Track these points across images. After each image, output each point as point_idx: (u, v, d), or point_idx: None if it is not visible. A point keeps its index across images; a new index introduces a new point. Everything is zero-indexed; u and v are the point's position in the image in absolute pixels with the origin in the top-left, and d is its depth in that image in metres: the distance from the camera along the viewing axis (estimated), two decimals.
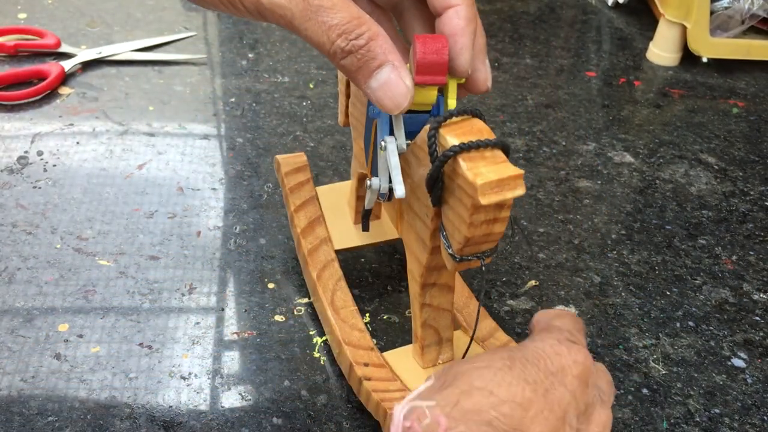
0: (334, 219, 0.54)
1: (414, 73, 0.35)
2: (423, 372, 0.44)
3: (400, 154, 0.38)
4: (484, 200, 0.32)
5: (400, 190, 0.36)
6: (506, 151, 0.34)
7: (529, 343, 0.35)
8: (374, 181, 0.41)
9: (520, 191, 0.33)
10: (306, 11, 0.33)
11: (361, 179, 0.50)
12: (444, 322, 0.44)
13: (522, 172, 0.33)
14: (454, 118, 0.35)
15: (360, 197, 0.52)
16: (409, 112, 0.37)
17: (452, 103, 0.37)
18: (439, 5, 0.36)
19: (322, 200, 0.54)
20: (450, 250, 0.36)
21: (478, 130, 0.34)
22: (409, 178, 0.39)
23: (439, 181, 0.35)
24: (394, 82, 0.34)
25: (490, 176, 0.32)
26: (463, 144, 0.33)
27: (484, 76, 0.38)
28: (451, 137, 0.34)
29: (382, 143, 0.38)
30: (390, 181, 0.38)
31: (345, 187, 0.56)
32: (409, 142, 0.38)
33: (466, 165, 0.33)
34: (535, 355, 0.34)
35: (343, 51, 0.34)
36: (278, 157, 0.55)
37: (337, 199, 0.55)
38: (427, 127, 0.35)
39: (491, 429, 0.31)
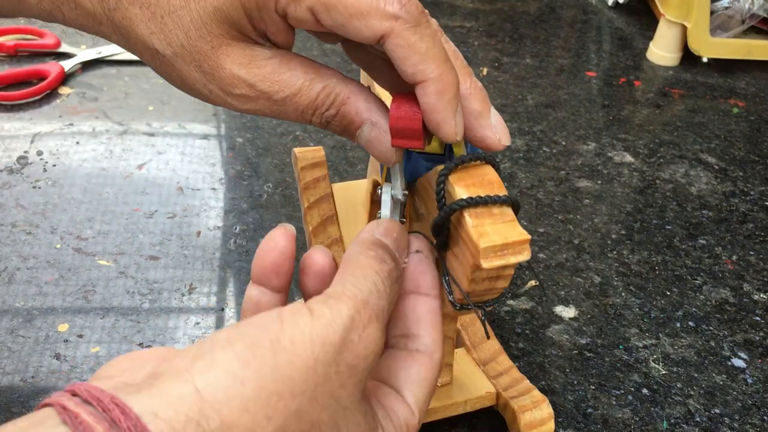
0: (347, 219, 0.53)
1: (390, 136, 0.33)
2: None
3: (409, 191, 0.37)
4: (485, 264, 0.31)
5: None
6: (516, 208, 0.33)
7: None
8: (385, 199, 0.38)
9: (525, 257, 0.31)
10: (275, 105, 0.33)
11: (376, 186, 0.50)
12: (446, 348, 0.43)
13: (528, 237, 0.32)
14: (466, 164, 0.34)
15: (374, 201, 0.52)
16: (423, 156, 0.37)
17: (458, 151, 0.35)
18: (410, 79, 0.32)
19: (337, 198, 0.54)
20: (450, 297, 0.35)
21: (488, 182, 0.33)
22: (424, 205, 0.38)
23: (444, 228, 0.34)
24: (375, 140, 0.34)
25: (495, 239, 0.31)
26: (471, 199, 0.32)
27: (492, 139, 0.35)
28: (459, 188, 0.33)
29: (379, 191, 0.37)
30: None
31: (362, 186, 0.55)
32: (406, 191, 0.37)
33: (471, 222, 0.32)
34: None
35: (322, 124, 0.34)
36: (296, 150, 0.54)
37: (353, 197, 0.55)
38: (438, 168, 0.34)
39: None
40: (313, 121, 0.34)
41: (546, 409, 0.43)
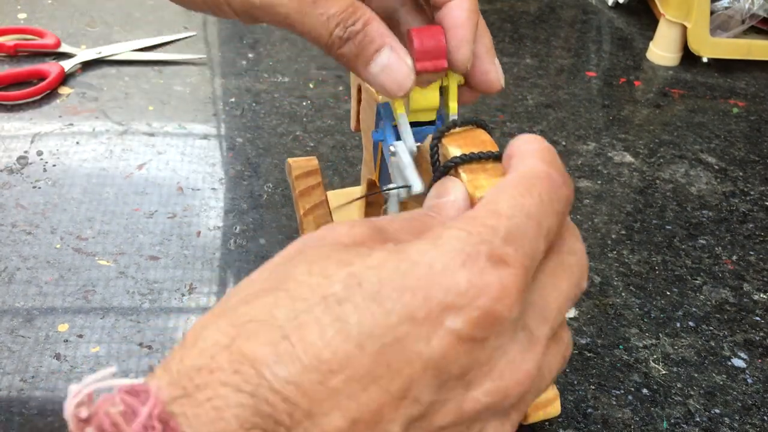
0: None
1: (414, 63, 0.34)
2: None
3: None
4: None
5: (417, 185, 0.36)
6: None
7: (413, 249, 0.23)
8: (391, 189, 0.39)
9: None
10: (302, 6, 0.32)
11: (371, 185, 0.50)
12: None
13: None
14: (458, 129, 0.35)
15: (369, 203, 0.52)
16: (413, 124, 0.37)
17: (453, 105, 0.37)
18: None
19: (332, 205, 0.54)
20: None
21: (481, 141, 0.34)
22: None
23: None
24: (395, 64, 0.33)
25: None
26: (465, 155, 0.32)
27: (495, 75, 0.36)
28: (453, 148, 0.33)
29: (392, 149, 0.38)
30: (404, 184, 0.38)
31: (356, 192, 0.56)
32: (419, 144, 0.38)
33: (466, 177, 0.32)
34: (404, 281, 0.22)
35: (341, 39, 0.33)
36: (290, 160, 0.55)
37: (347, 203, 0.55)
38: (430, 136, 0.35)
39: (252, 402, 0.21)
40: (334, 34, 0.33)
41: (551, 390, 0.44)
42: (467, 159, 0.32)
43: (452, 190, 0.29)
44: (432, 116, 0.37)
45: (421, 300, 0.21)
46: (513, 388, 0.23)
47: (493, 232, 0.23)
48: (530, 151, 0.27)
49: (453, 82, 0.37)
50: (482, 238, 0.23)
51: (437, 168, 0.33)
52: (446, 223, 0.24)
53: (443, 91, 0.37)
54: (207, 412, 0.20)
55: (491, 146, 0.33)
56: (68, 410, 0.20)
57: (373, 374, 0.21)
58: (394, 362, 0.21)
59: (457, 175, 0.33)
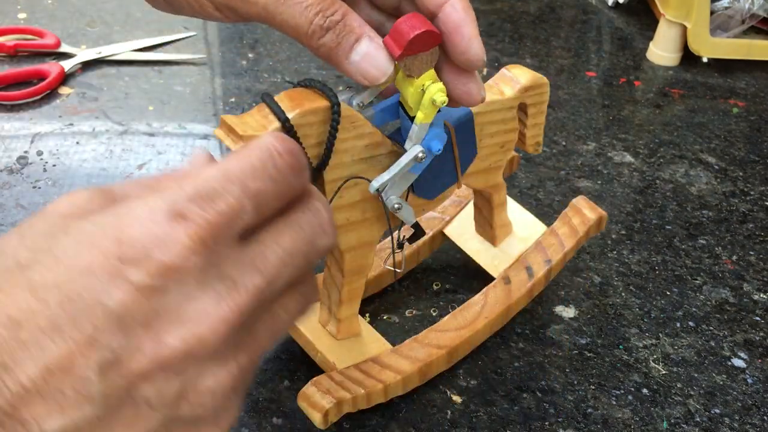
0: None
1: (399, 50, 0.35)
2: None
3: None
4: (216, 130, 0.35)
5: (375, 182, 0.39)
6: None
7: (124, 208, 0.25)
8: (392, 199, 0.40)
9: (237, 146, 0.34)
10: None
11: None
12: (334, 298, 0.45)
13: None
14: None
15: None
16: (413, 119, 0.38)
17: (419, 116, 0.37)
18: (432, 5, 0.35)
19: None
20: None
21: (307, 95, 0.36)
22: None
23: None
24: (374, 51, 0.35)
25: (230, 121, 0.34)
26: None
27: (477, 87, 0.37)
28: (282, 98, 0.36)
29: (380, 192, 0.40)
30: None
31: None
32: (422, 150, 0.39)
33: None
34: (83, 237, 0.25)
35: (322, 28, 0.34)
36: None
37: None
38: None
39: None
40: (314, 23, 0.34)
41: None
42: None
43: (201, 161, 0.30)
44: (405, 102, 0.38)
45: (98, 255, 0.24)
46: (208, 334, 0.25)
47: (178, 191, 0.25)
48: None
49: (426, 93, 0.37)
50: (164, 196, 0.25)
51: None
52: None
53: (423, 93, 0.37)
54: None
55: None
56: None
57: (57, 325, 0.23)
58: (78, 313, 0.23)
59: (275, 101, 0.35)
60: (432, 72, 0.37)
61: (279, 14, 0.34)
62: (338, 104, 0.36)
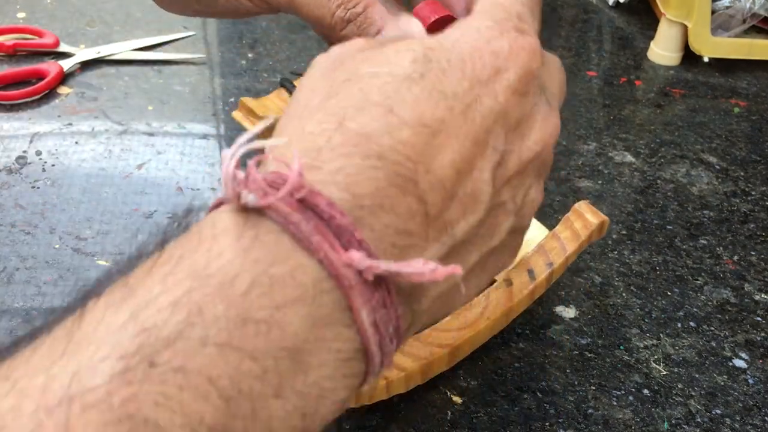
0: None
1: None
2: None
3: None
4: (235, 113, 0.36)
5: None
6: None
7: (457, 33, 0.28)
8: None
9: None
10: None
11: None
12: None
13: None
14: None
15: None
16: None
17: None
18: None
19: None
20: None
21: None
22: None
23: None
24: None
25: (250, 103, 0.33)
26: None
27: None
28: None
29: None
30: None
31: None
32: None
33: None
34: (461, 55, 0.27)
35: (343, 20, 0.34)
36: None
37: None
38: None
39: (381, 164, 0.24)
40: (336, 15, 0.34)
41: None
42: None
43: (411, 25, 0.33)
44: None
45: (481, 65, 0.26)
46: (548, 139, 0.29)
47: (509, 14, 0.28)
48: None
49: None
50: (504, 17, 0.28)
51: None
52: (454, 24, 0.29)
53: None
54: (343, 178, 0.23)
55: None
56: (226, 173, 0.22)
57: (463, 130, 0.26)
58: (476, 118, 0.26)
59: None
60: None
61: (305, 5, 0.34)
62: None
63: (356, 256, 0.22)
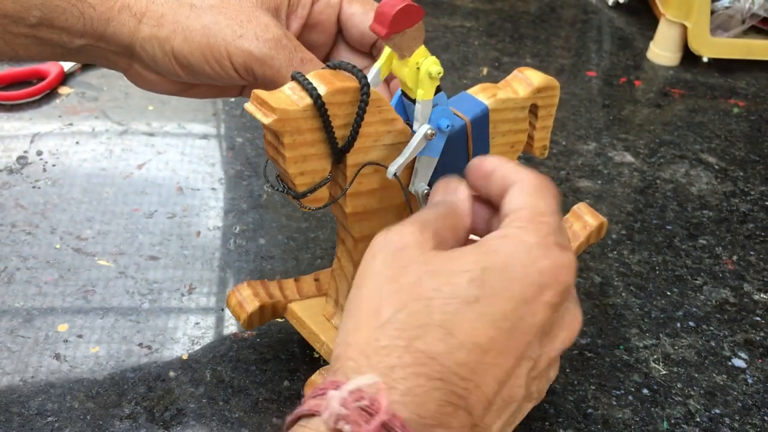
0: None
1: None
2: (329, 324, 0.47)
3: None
4: (247, 105, 0.36)
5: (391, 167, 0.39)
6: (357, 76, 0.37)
7: (509, 248, 0.31)
8: (420, 187, 0.42)
9: (268, 120, 0.34)
10: (291, 61, 0.40)
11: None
12: (342, 289, 0.45)
13: (283, 108, 0.35)
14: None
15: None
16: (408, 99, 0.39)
17: (420, 92, 0.38)
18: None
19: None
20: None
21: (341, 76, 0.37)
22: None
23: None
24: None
25: (263, 94, 0.35)
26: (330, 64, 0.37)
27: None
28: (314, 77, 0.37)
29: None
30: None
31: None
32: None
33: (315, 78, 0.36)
34: (512, 277, 0.30)
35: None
36: None
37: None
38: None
39: (442, 385, 0.29)
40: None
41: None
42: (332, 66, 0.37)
43: (458, 187, 0.36)
44: (407, 89, 0.39)
45: (527, 287, 0.30)
46: (573, 336, 0.33)
47: (549, 227, 0.32)
48: (512, 166, 0.35)
49: (422, 68, 0.38)
50: (546, 232, 0.31)
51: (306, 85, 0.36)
52: (503, 226, 0.32)
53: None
54: (411, 399, 0.28)
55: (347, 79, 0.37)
56: (331, 411, 0.28)
57: (508, 347, 0.30)
58: (519, 335, 0.30)
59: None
60: (423, 49, 0.38)
61: (285, 79, 0.39)
62: (368, 85, 0.36)
63: None
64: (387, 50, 0.39)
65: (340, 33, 0.46)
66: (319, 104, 0.35)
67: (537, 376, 0.32)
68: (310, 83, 0.35)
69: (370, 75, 0.39)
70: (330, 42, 0.47)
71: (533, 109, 0.46)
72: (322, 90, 0.35)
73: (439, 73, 0.38)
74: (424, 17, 0.37)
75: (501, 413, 0.30)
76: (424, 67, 0.37)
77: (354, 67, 0.37)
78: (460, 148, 0.43)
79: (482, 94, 0.43)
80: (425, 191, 0.41)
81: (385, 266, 0.32)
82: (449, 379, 0.29)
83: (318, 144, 0.37)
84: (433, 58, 0.38)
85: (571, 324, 0.33)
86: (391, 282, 0.31)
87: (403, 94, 0.40)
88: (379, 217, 0.42)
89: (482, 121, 0.43)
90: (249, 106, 0.35)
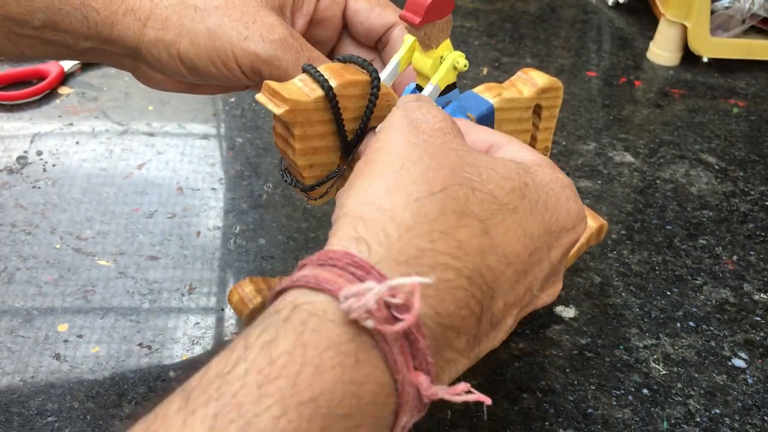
0: None
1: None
2: None
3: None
4: (258, 95, 0.36)
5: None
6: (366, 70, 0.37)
7: (547, 177, 0.32)
8: None
9: (280, 110, 0.35)
10: (298, 62, 0.39)
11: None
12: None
13: (296, 99, 0.35)
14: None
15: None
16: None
17: (435, 77, 0.39)
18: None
19: None
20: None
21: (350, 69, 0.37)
22: None
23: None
24: None
25: (274, 85, 0.35)
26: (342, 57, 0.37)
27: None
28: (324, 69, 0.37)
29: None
30: None
31: None
32: None
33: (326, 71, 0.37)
34: (547, 202, 0.31)
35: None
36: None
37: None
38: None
39: (468, 285, 0.27)
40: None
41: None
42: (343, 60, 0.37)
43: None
44: (424, 82, 0.40)
45: (554, 220, 0.31)
46: (554, 298, 0.35)
47: (558, 177, 0.33)
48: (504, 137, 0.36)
49: (447, 59, 0.39)
50: (569, 182, 0.33)
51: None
52: (533, 158, 0.33)
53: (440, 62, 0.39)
54: (435, 293, 0.26)
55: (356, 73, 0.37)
56: (365, 304, 0.25)
57: (525, 271, 0.30)
58: (536, 260, 0.30)
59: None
60: (448, 42, 0.38)
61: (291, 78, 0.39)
62: (378, 79, 0.37)
63: (424, 382, 0.26)
64: (408, 42, 0.39)
65: (345, 28, 0.46)
66: (330, 96, 0.35)
67: (520, 317, 0.32)
68: (322, 75, 0.35)
69: (389, 67, 0.40)
70: (335, 37, 0.47)
71: (537, 110, 0.46)
72: (333, 82, 0.35)
73: (465, 66, 0.38)
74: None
75: (492, 338, 0.30)
76: (450, 57, 0.38)
77: (365, 60, 0.37)
78: None
79: (487, 93, 0.43)
80: None
81: (423, 141, 0.30)
82: (476, 282, 0.27)
83: (328, 137, 0.37)
84: (460, 52, 0.38)
85: (558, 283, 0.34)
86: (432, 158, 0.29)
87: (417, 87, 0.40)
88: None
89: (488, 119, 0.43)
90: (260, 97, 0.35)
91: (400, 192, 0.28)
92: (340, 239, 0.28)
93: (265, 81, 0.35)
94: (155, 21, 0.40)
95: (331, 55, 0.47)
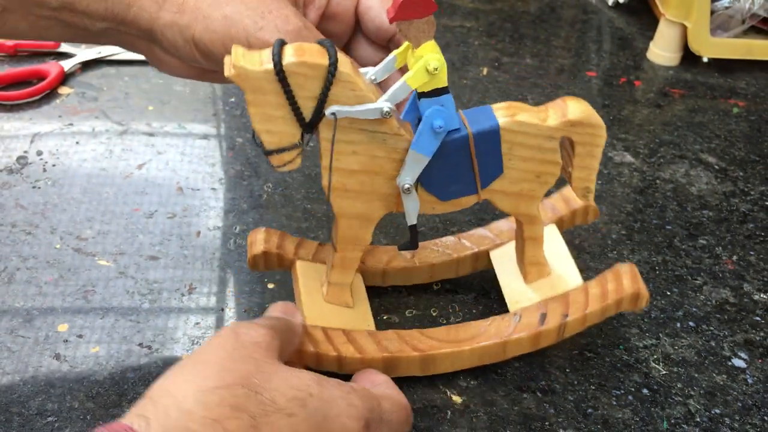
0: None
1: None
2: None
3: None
4: (226, 57, 0.38)
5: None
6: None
7: (335, 392, 0.36)
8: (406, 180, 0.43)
9: (229, 72, 0.37)
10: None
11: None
12: (328, 261, 0.48)
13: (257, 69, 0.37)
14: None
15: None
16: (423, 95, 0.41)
17: (408, 79, 0.40)
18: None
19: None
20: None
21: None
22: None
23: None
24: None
25: (240, 51, 0.38)
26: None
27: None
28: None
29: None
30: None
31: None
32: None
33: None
34: (329, 413, 0.35)
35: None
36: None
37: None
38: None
39: None
40: None
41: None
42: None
43: (296, 312, 0.43)
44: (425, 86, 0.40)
45: (327, 429, 0.34)
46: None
47: (361, 402, 0.37)
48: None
49: (421, 60, 0.39)
50: (361, 408, 0.37)
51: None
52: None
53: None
54: None
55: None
56: None
57: None
58: None
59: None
60: (433, 44, 0.39)
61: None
62: (335, 65, 0.38)
63: None
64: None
65: (358, 26, 0.47)
66: (277, 70, 0.37)
67: None
68: (280, 52, 0.37)
69: (385, 61, 0.41)
70: (348, 33, 0.47)
71: (569, 143, 0.44)
72: (291, 60, 0.37)
73: (435, 68, 0.38)
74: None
75: None
76: (423, 59, 0.38)
77: (332, 45, 0.38)
78: (462, 160, 0.42)
79: (502, 111, 0.42)
80: (406, 186, 0.42)
81: (233, 348, 0.35)
82: None
83: (283, 108, 0.39)
84: (437, 55, 0.38)
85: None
86: (233, 362, 0.34)
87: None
88: (361, 200, 0.43)
89: (489, 137, 0.42)
90: (226, 57, 0.37)
91: (192, 384, 0.32)
92: (131, 414, 0.31)
93: (235, 44, 0.37)
94: (172, 4, 0.40)
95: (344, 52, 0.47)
